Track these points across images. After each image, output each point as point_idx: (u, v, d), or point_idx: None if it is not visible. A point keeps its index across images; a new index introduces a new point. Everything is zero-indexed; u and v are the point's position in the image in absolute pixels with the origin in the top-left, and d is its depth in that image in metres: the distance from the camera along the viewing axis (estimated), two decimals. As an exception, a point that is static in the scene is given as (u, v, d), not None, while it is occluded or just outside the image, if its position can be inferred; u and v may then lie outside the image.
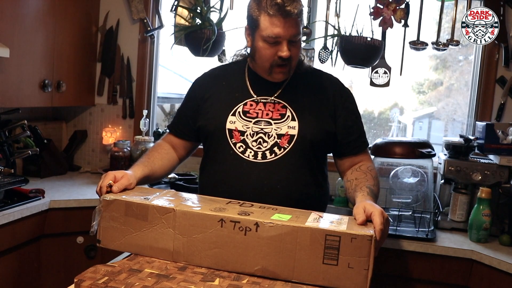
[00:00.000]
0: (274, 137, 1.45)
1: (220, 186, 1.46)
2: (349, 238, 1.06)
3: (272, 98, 1.51)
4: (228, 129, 1.47)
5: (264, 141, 1.45)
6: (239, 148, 1.45)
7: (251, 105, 1.50)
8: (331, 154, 1.62)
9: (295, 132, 1.45)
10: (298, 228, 1.09)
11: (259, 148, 1.44)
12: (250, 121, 1.47)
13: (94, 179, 2.59)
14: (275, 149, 1.44)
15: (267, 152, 1.44)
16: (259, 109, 1.49)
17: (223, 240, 1.13)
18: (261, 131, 1.45)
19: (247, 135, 1.46)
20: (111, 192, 1.28)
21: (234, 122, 1.48)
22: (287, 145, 1.44)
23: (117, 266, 1.12)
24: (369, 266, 1.05)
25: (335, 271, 1.07)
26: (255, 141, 1.45)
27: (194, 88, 1.65)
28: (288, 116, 1.47)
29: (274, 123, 1.46)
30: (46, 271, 2.12)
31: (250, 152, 1.44)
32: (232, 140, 1.46)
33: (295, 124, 1.46)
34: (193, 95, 1.63)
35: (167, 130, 1.71)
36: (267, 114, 1.48)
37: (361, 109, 2.80)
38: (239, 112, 1.49)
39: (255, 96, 1.52)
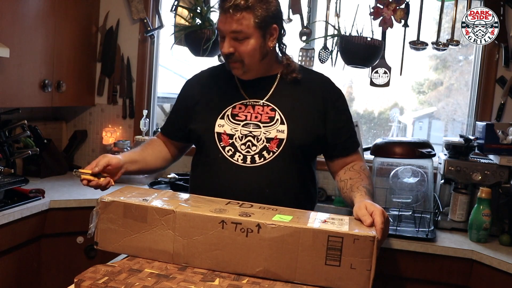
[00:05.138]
0: (263, 141, 1.44)
1: (209, 190, 1.44)
2: (351, 239, 1.06)
3: (263, 101, 1.50)
4: (217, 132, 1.47)
5: (253, 144, 1.44)
6: (228, 151, 1.45)
7: (240, 108, 1.50)
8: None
9: (284, 136, 1.44)
10: (300, 229, 1.09)
11: (248, 152, 1.44)
12: (239, 124, 1.46)
13: (94, 179, 2.59)
14: (264, 153, 1.43)
15: (256, 156, 1.43)
16: (248, 112, 1.48)
17: (224, 241, 1.13)
18: (250, 134, 1.45)
19: (235, 138, 1.45)
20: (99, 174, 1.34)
21: (222, 125, 1.47)
22: (276, 149, 1.43)
23: (117, 266, 1.12)
24: (371, 267, 1.05)
25: (337, 272, 1.07)
26: (244, 144, 1.44)
27: (184, 90, 1.65)
28: (277, 119, 1.46)
29: (263, 127, 1.45)
30: (46, 271, 2.12)
31: (239, 156, 1.44)
32: (221, 143, 1.46)
33: (284, 128, 1.45)
34: (183, 98, 1.64)
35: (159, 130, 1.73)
36: (256, 117, 1.47)
37: (361, 109, 2.84)
38: (227, 115, 1.49)
39: (247, 98, 1.51)
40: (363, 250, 1.05)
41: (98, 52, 2.78)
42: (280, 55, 1.56)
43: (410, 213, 2.08)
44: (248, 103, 1.50)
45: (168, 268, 1.14)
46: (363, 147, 2.37)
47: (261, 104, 1.49)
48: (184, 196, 1.32)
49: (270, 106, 1.48)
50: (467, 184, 2.09)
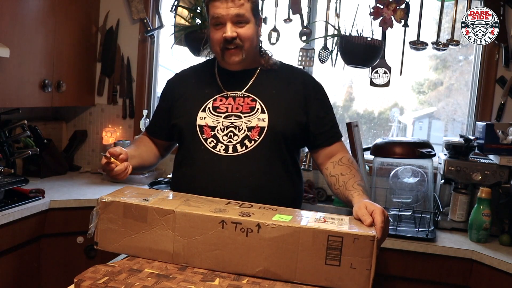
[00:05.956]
0: (245, 130, 1.45)
1: (192, 181, 1.46)
2: (351, 239, 1.06)
3: (242, 92, 1.51)
4: (199, 125, 1.48)
5: (235, 134, 1.45)
6: (210, 143, 1.46)
7: (220, 100, 1.51)
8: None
9: (265, 124, 1.45)
10: (300, 229, 1.09)
11: (230, 142, 1.44)
12: (220, 116, 1.48)
13: (94, 179, 2.59)
14: (246, 141, 1.44)
15: (238, 145, 1.44)
16: (229, 104, 1.50)
17: (224, 241, 1.12)
18: (232, 125, 1.46)
19: (217, 130, 1.46)
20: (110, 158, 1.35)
21: (204, 118, 1.48)
22: (258, 137, 1.44)
23: (117, 266, 1.12)
24: (371, 267, 1.05)
25: (337, 271, 1.07)
26: (226, 135, 1.45)
27: (166, 89, 1.68)
28: (258, 109, 1.47)
29: (244, 117, 1.47)
30: (46, 271, 2.12)
31: (221, 146, 1.44)
32: (203, 135, 1.47)
33: (265, 116, 1.46)
34: (165, 97, 1.66)
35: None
36: (237, 108, 1.48)
37: (361, 109, 2.84)
38: (209, 108, 1.50)
39: (225, 91, 1.53)
40: (363, 249, 1.05)
41: (98, 52, 2.78)
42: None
43: (410, 213, 2.08)
44: (228, 95, 1.52)
45: (168, 268, 1.14)
46: (363, 147, 2.37)
47: (241, 95, 1.51)
48: (185, 196, 1.32)
49: (251, 96, 1.50)
50: (467, 184, 2.09)
